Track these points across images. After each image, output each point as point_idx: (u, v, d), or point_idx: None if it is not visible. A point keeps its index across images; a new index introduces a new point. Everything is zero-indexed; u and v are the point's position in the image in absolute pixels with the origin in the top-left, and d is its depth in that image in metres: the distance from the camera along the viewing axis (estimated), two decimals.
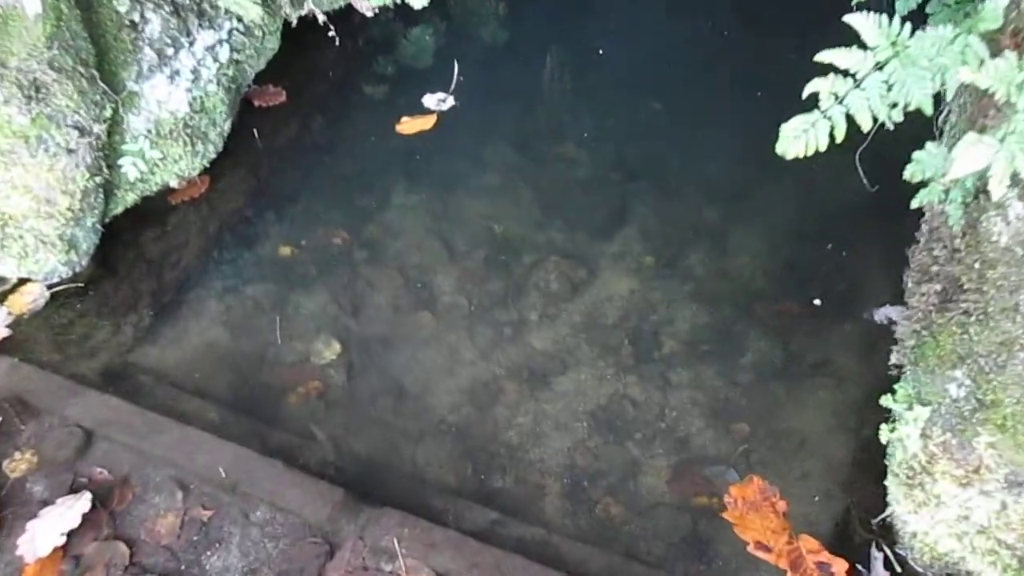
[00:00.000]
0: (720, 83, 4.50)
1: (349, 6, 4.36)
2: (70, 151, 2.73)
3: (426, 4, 4.35)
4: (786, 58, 4.82)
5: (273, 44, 3.63)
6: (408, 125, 4.02)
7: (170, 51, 3.09)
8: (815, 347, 3.35)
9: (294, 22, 3.64)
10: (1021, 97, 1.54)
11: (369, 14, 3.85)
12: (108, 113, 2.88)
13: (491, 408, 3.26)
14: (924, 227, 2.44)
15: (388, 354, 3.40)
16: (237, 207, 3.77)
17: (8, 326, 3.00)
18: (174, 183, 3.44)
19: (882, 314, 3.27)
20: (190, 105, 3.27)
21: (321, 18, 3.54)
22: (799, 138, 1.81)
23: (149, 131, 3.14)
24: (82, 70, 2.70)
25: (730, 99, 4.42)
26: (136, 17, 2.89)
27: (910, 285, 2.38)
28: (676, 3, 5.04)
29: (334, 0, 4.17)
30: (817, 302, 3.47)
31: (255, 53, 3.52)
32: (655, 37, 4.84)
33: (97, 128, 2.81)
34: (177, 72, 3.16)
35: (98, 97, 2.79)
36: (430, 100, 4.14)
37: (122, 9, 2.80)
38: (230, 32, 3.35)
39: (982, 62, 1.59)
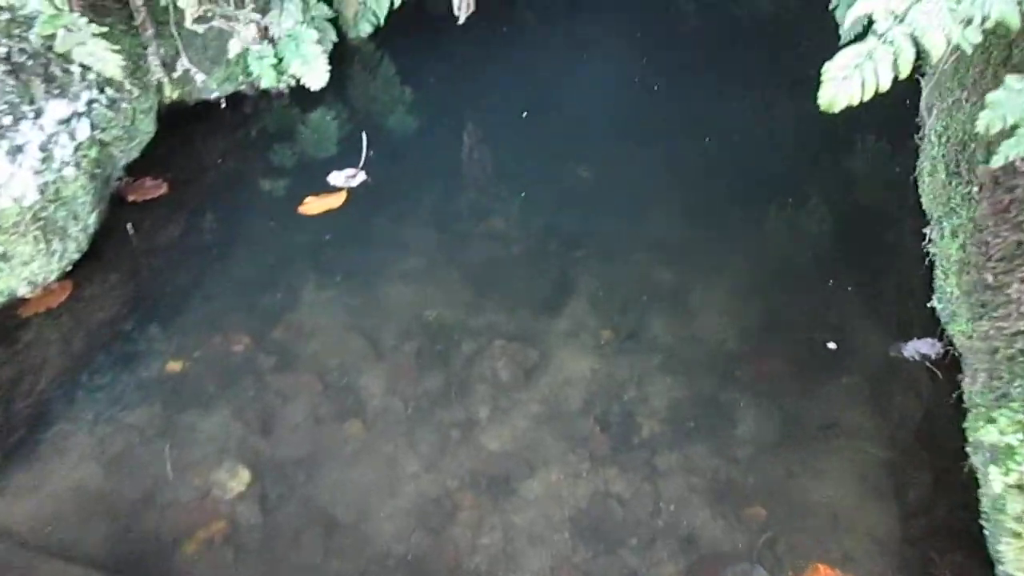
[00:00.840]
0: (652, 140, 4.22)
1: (237, 94, 3.91)
2: None
3: (324, 85, 3.96)
4: (717, 108, 4.69)
5: (148, 127, 3.08)
6: (313, 205, 3.49)
7: (6, 120, 2.49)
8: (815, 405, 2.91)
9: (170, 95, 3.11)
10: None
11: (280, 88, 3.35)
12: None
13: (447, 530, 2.63)
14: (946, 231, 2.06)
15: (311, 478, 2.74)
16: (110, 318, 3.08)
17: None
18: (24, 291, 2.75)
19: (912, 349, 2.88)
20: (41, 192, 2.64)
21: (200, 78, 3.01)
22: (850, 77, 1.37)
23: None
24: None
25: (663, 157, 4.13)
26: None
27: (991, 280, 1.95)
28: (603, 56, 4.85)
29: (219, 88, 3.71)
30: (832, 346, 3.06)
31: (125, 135, 2.95)
32: (582, 94, 4.57)
33: None
34: (20, 149, 2.55)
35: None
36: (337, 178, 3.64)
37: None
38: (89, 104, 2.78)
39: None
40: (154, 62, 2.96)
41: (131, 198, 3.38)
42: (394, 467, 2.79)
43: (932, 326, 3.04)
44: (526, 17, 5.31)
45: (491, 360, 3.16)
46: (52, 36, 2.45)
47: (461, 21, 3.95)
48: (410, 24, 4.87)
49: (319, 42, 3.85)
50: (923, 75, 3.85)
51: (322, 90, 4.01)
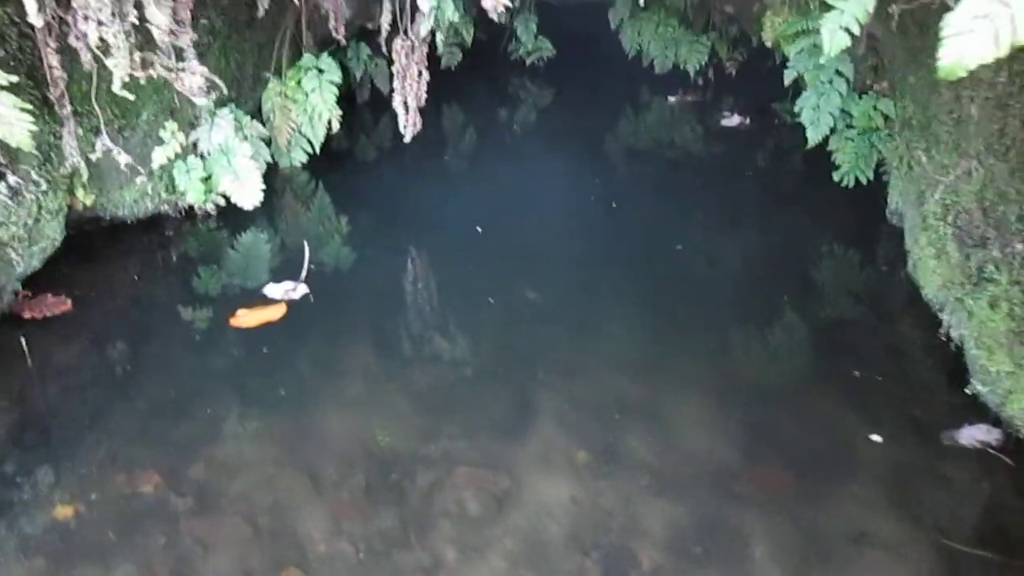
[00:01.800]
0: (608, 255, 4.13)
1: (159, 215, 3.53)
2: None
3: (257, 204, 3.64)
4: (675, 226, 4.63)
5: (54, 231, 2.66)
6: (246, 318, 3.05)
7: None
8: (836, 516, 2.56)
9: (84, 199, 2.71)
10: None
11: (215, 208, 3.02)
12: None
13: None
14: (978, 303, 1.86)
15: None
16: None
17: None
18: None
19: (968, 436, 2.60)
20: None
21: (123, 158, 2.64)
22: (979, 29, 1.15)
23: None
24: None
25: (617, 271, 3.99)
26: None
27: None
28: (564, 171, 4.79)
29: (136, 205, 3.34)
30: (877, 438, 2.76)
31: (26, 236, 2.51)
32: (527, 214, 4.45)
33: None
34: None
35: None
36: (275, 290, 3.24)
37: None
38: None
39: None
40: (69, 144, 2.58)
41: (28, 315, 2.87)
42: None
43: (974, 412, 2.85)
44: (468, 138, 5.31)
45: (454, 491, 2.71)
46: None
47: (408, 139, 3.79)
48: (346, 149, 4.74)
49: (253, 158, 3.58)
50: (885, 175, 3.94)
51: (252, 213, 3.71)
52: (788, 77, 4.03)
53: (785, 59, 4.13)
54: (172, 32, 2.53)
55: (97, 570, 2.29)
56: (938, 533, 2.44)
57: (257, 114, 4.49)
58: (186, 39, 2.63)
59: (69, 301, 3.06)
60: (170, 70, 2.68)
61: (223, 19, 3.78)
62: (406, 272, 3.96)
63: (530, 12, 7.56)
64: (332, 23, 3.80)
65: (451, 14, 3.70)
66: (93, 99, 2.73)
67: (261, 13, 3.64)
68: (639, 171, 5.32)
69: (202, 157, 3.64)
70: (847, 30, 2.36)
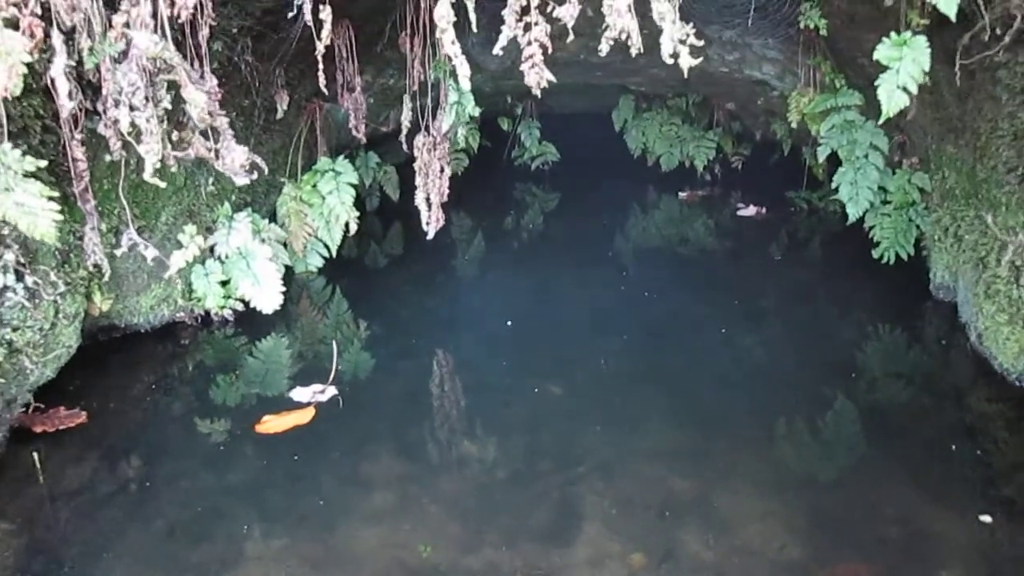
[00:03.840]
0: (642, 349, 4.00)
1: (173, 323, 3.41)
2: None
3: (278, 308, 3.53)
4: (708, 317, 4.54)
5: (70, 339, 2.53)
6: (273, 424, 2.87)
7: None
8: None
9: (100, 305, 2.59)
10: None
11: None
12: None
13: None
14: None
15: None
16: None
17: None
18: None
19: None
20: None
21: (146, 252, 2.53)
22: None
23: None
24: None
25: (650, 366, 3.85)
26: None
27: None
28: (574, 276, 4.70)
29: (152, 312, 3.22)
30: (987, 519, 2.52)
31: (42, 342, 2.37)
32: (548, 310, 4.35)
33: None
34: None
35: None
36: (303, 393, 3.07)
37: None
38: (3, 292, 2.23)
39: None
40: (92, 240, 2.47)
41: (39, 428, 2.70)
42: None
43: None
44: (477, 244, 5.26)
45: None
46: None
47: (431, 236, 3.71)
48: (363, 260, 4.67)
49: (272, 260, 3.50)
50: (925, 249, 3.85)
51: (270, 319, 3.59)
52: (821, 155, 4.00)
53: (794, 147, 4.15)
54: (209, 113, 2.48)
55: None
56: None
57: (272, 219, 4.46)
58: (223, 121, 2.57)
59: (84, 414, 2.89)
60: (209, 150, 2.61)
61: (241, 123, 3.78)
62: (429, 377, 3.82)
63: (533, 118, 7.73)
64: (352, 122, 3.80)
65: (471, 108, 3.71)
66: (120, 191, 2.65)
67: (280, 115, 3.64)
68: (657, 271, 5.24)
69: (220, 261, 3.55)
70: (904, 89, 2.32)
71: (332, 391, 3.28)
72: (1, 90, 1.85)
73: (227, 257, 3.53)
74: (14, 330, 2.35)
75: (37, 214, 2.09)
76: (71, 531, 2.61)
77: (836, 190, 3.96)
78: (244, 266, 3.57)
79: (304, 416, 3.05)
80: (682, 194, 6.70)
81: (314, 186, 4.37)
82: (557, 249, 5.81)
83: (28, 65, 2.02)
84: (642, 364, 3.92)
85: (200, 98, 2.35)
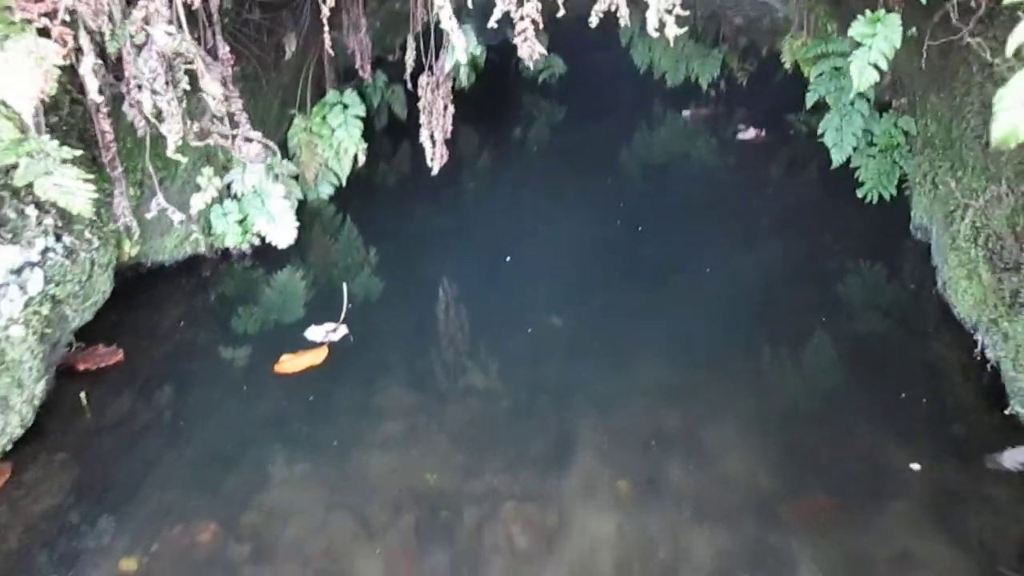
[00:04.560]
0: (633, 277, 4.18)
1: (196, 257, 3.60)
2: None
3: (292, 242, 3.72)
4: (699, 245, 4.63)
5: (105, 285, 2.75)
6: (290, 363, 3.13)
7: None
8: (879, 539, 2.61)
9: (129, 251, 2.79)
10: None
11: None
12: None
13: None
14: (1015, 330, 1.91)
15: None
16: (54, 507, 2.58)
17: None
18: None
19: (1013, 459, 2.64)
20: None
21: (178, 218, 2.75)
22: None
23: None
24: None
25: (643, 295, 4.05)
26: None
27: None
28: (581, 188, 4.85)
29: (176, 250, 3.41)
30: (916, 466, 2.80)
31: (80, 292, 2.60)
32: (551, 242, 4.51)
33: None
34: None
35: None
36: (316, 332, 3.31)
37: None
38: (44, 253, 2.44)
39: None
40: (121, 204, 2.66)
41: (82, 367, 2.96)
42: None
43: (1017, 434, 2.88)
44: (497, 179, 5.37)
45: (502, 527, 2.76)
46: (11, 166, 2.15)
47: (435, 171, 3.84)
48: (372, 187, 4.81)
49: (286, 198, 3.67)
50: (908, 190, 3.96)
51: (286, 251, 3.78)
52: (810, 100, 4.07)
53: (803, 77, 4.18)
54: (225, 98, 2.61)
55: None
56: (985, 556, 2.49)
57: (284, 151, 4.58)
58: (238, 105, 2.70)
59: (121, 352, 3.15)
60: (225, 137, 2.76)
61: (251, 68, 3.86)
62: (436, 303, 4.03)
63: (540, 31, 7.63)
64: (358, 62, 3.88)
65: (473, 47, 3.77)
66: (147, 161, 2.80)
67: (288, 56, 3.72)
68: (658, 189, 5.36)
69: (236, 199, 3.72)
70: (875, 66, 2.42)
71: (343, 330, 3.52)
72: (39, 92, 2.00)
73: (243, 196, 3.69)
74: (56, 285, 2.56)
75: (74, 193, 2.27)
76: (115, 460, 2.90)
77: (822, 135, 4.06)
78: (259, 204, 3.74)
79: (318, 356, 3.30)
80: (686, 112, 6.72)
81: (323, 118, 4.48)
82: (562, 163, 5.89)
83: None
84: (637, 294, 4.11)
85: (217, 89, 2.48)
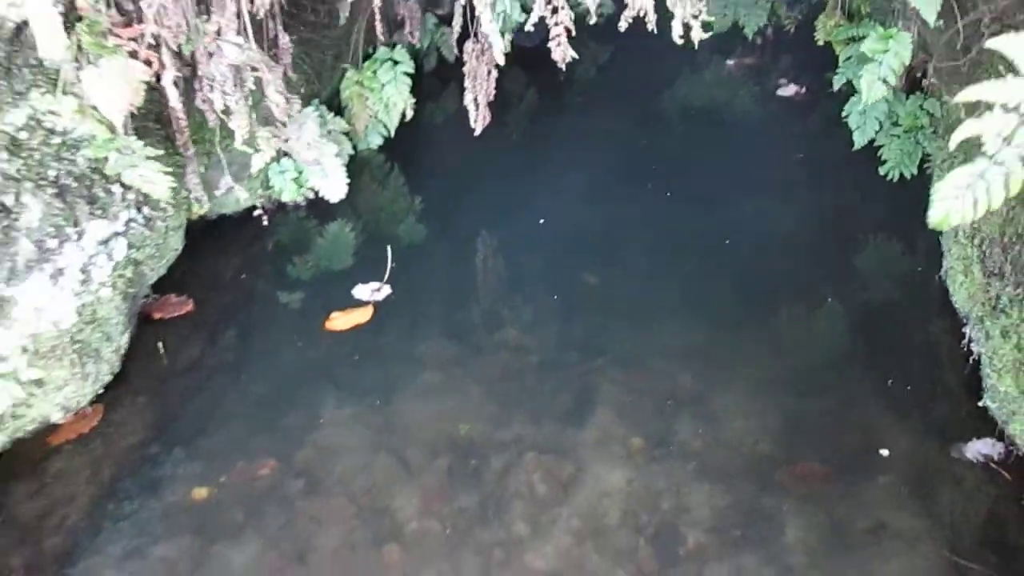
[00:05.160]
0: (662, 246, 4.34)
1: (254, 208, 3.92)
2: None
3: (343, 196, 4.01)
4: (721, 218, 4.75)
5: (177, 243, 3.09)
6: (340, 320, 3.47)
7: (52, 244, 2.47)
8: (861, 509, 2.90)
9: (206, 206, 3.14)
10: None
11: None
12: None
13: None
14: (996, 331, 2.12)
15: None
16: (138, 443, 2.99)
17: None
18: (57, 416, 2.66)
19: (974, 450, 2.91)
20: (79, 314, 2.59)
21: (243, 195, 3.06)
22: (961, 197, 1.45)
23: (24, 347, 2.42)
24: None
25: (674, 262, 4.23)
26: (9, 200, 2.27)
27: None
28: (621, 167, 5.02)
29: (238, 204, 3.73)
30: (884, 452, 3.08)
31: (157, 252, 2.95)
32: (590, 202, 4.69)
33: None
34: (61, 271, 2.51)
35: None
36: (363, 291, 3.64)
37: None
38: (128, 224, 2.77)
39: None
40: (192, 180, 2.98)
41: (157, 315, 3.34)
42: None
43: (987, 425, 3.08)
44: (538, 127, 5.51)
45: (524, 474, 3.11)
46: (102, 159, 2.47)
47: (478, 133, 4.05)
48: (419, 135, 5.02)
49: (337, 155, 3.93)
50: (930, 170, 4.07)
51: (337, 203, 4.07)
52: (837, 82, 4.14)
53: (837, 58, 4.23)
54: (287, 101, 2.87)
55: (232, 544, 2.77)
56: (950, 534, 2.76)
57: (336, 100, 4.82)
58: (296, 106, 2.95)
59: (191, 302, 3.52)
60: (287, 140, 3.03)
61: (307, 29, 4.07)
62: (474, 257, 4.30)
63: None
64: (408, 28, 4.07)
65: (518, 16, 3.93)
66: (218, 148, 3.07)
67: (342, 22, 3.92)
68: (691, 148, 5.38)
69: (291, 157, 3.99)
70: (884, 81, 2.56)
71: (387, 290, 3.83)
72: (128, 105, 2.27)
73: (298, 141, 3.96)
74: (137, 249, 2.89)
75: (155, 183, 2.57)
76: (187, 400, 3.30)
77: (846, 117, 4.13)
78: (313, 160, 4.00)
79: (365, 315, 3.63)
80: (730, 61, 6.71)
81: (374, 72, 4.68)
82: (601, 110, 5.93)
83: None
84: (665, 255, 4.29)
85: (279, 98, 2.73)
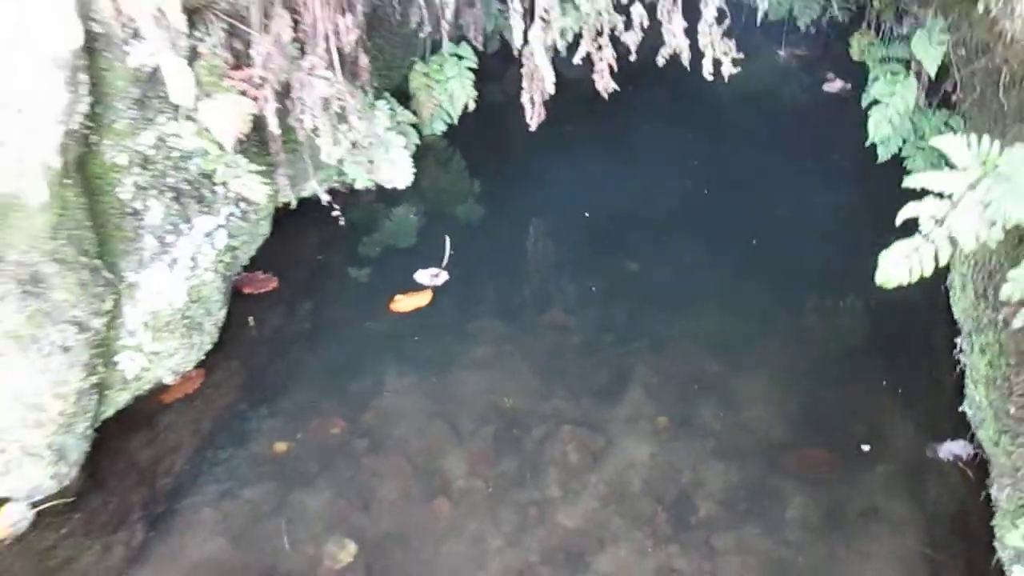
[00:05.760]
0: (699, 239, 4.66)
1: (330, 191, 4.37)
2: (65, 349, 2.48)
3: (409, 184, 4.44)
4: (756, 213, 5.11)
5: (265, 229, 3.56)
6: (403, 303, 3.91)
7: (170, 238, 2.96)
8: (857, 493, 3.24)
9: (294, 203, 3.59)
10: None
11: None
12: (108, 306, 2.68)
13: None
14: (977, 346, 2.43)
15: (408, 552, 3.10)
16: (231, 402, 3.51)
17: None
18: (168, 379, 3.18)
19: (947, 451, 3.22)
20: (188, 295, 3.09)
21: (325, 198, 3.49)
22: (901, 264, 1.78)
23: (147, 323, 2.92)
24: (84, 260, 2.53)
25: (708, 255, 4.55)
26: (139, 205, 2.76)
27: (1013, 411, 2.32)
28: (657, 163, 5.31)
29: (320, 185, 4.18)
30: (865, 448, 3.41)
31: (249, 238, 3.43)
32: (636, 196, 5.00)
33: (96, 322, 2.59)
34: (176, 260, 3.01)
35: (99, 289, 2.60)
36: (423, 276, 4.07)
37: (125, 196, 2.69)
38: (228, 217, 3.25)
39: None
40: (282, 181, 3.44)
41: (247, 290, 3.85)
42: (480, 543, 3.13)
43: (964, 428, 3.36)
44: (589, 125, 5.81)
45: (561, 444, 3.52)
46: (212, 169, 2.94)
47: (533, 128, 4.38)
48: (479, 124, 5.39)
49: (404, 147, 4.35)
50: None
51: (405, 188, 4.53)
52: (864, 101, 4.29)
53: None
54: (366, 122, 3.29)
55: (308, 491, 3.26)
56: (927, 522, 3.09)
57: (405, 87, 5.22)
58: (375, 131, 3.37)
59: (275, 279, 4.03)
60: (369, 161, 3.48)
61: (380, 30, 4.46)
62: (526, 241, 4.71)
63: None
64: (471, 34, 4.41)
65: (572, 23, 4.23)
66: (306, 159, 3.50)
67: (413, 26, 4.30)
68: (736, 136, 5.59)
69: (364, 148, 4.41)
70: (890, 121, 2.83)
71: (445, 276, 4.26)
72: (237, 132, 2.70)
73: (370, 144, 4.37)
74: (234, 238, 3.38)
75: (255, 190, 3.02)
76: (271, 365, 3.80)
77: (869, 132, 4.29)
78: (383, 152, 4.41)
79: (424, 298, 4.08)
80: (781, 52, 6.85)
81: (440, 66, 5.06)
82: (651, 98, 6.11)
83: None
84: (704, 245, 4.60)
85: (363, 126, 3.13)
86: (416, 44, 5.15)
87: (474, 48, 5.11)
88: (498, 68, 6.37)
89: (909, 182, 1.81)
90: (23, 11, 2.28)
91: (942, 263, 1.79)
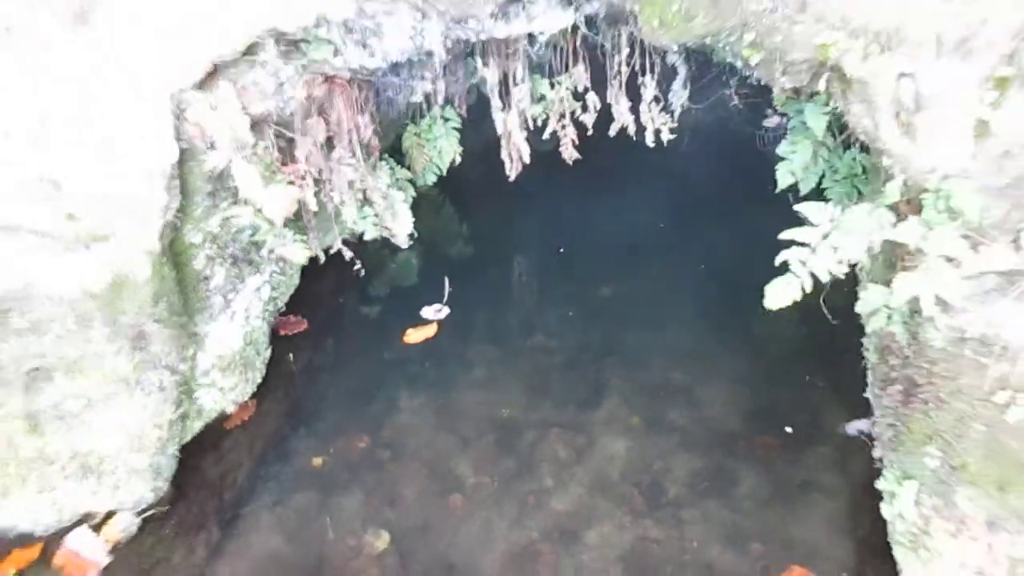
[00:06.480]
0: (663, 264, 5.42)
1: (344, 241, 5.09)
2: (161, 388, 3.17)
3: (412, 242, 5.17)
4: (715, 240, 5.94)
5: (296, 280, 4.28)
6: (414, 335, 4.63)
7: (231, 296, 3.66)
8: (797, 469, 3.96)
9: (322, 258, 4.31)
10: (926, 244, 2.32)
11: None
12: (191, 352, 3.37)
13: (534, 569, 3.64)
14: (871, 346, 3.17)
15: (432, 537, 3.77)
16: (277, 427, 4.20)
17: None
18: (230, 409, 3.87)
19: (854, 427, 3.95)
20: (243, 340, 3.79)
21: (348, 254, 4.23)
22: (781, 293, 2.52)
23: (215, 365, 3.62)
24: (175, 319, 3.22)
25: (673, 277, 5.31)
26: (208, 272, 3.47)
27: (876, 392, 3.06)
28: (623, 204, 6.07)
29: (334, 240, 4.90)
30: (789, 430, 4.14)
31: (286, 289, 4.14)
32: (608, 233, 5.79)
33: (183, 367, 3.28)
34: (234, 313, 3.72)
35: (185, 340, 3.28)
36: (428, 311, 4.79)
37: (199, 267, 3.39)
38: (271, 274, 3.97)
39: (894, 224, 2.39)
40: (313, 243, 4.15)
41: (283, 332, 4.56)
42: (490, 526, 3.82)
43: (869, 410, 3.99)
44: (559, 181, 6.54)
45: (551, 444, 4.22)
46: (262, 240, 3.67)
47: (512, 178, 5.09)
48: (466, 175, 6.13)
49: (404, 200, 5.08)
50: None
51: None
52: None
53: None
54: (384, 198, 4.05)
55: (344, 495, 3.93)
56: (847, 485, 3.82)
57: (398, 144, 5.96)
58: (392, 208, 4.16)
59: (305, 321, 4.73)
60: (386, 228, 4.25)
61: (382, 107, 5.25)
62: (511, 276, 5.46)
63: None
64: (456, 103, 5.16)
65: (540, 111, 5.00)
66: (334, 222, 4.24)
67: (405, 105, 5.09)
68: (683, 185, 6.38)
69: (370, 204, 5.14)
70: (793, 173, 3.58)
71: (447, 311, 5.00)
72: (284, 211, 3.43)
73: (375, 202, 5.10)
74: (275, 290, 4.12)
75: (298, 255, 3.74)
76: (305, 393, 4.50)
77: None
78: (388, 207, 5.14)
79: (431, 331, 4.80)
80: (728, 91, 7.64)
81: (429, 127, 5.80)
82: (615, 159, 6.85)
83: None
84: (669, 272, 5.38)
85: (381, 203, 3.88)
86: (408, 108, 5.90)
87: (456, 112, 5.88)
88: (476, 118, 7.13)
89: (783, 235, 2.55)
90: (134, 136, 2.96)
91: (808, 292, 2.52)
